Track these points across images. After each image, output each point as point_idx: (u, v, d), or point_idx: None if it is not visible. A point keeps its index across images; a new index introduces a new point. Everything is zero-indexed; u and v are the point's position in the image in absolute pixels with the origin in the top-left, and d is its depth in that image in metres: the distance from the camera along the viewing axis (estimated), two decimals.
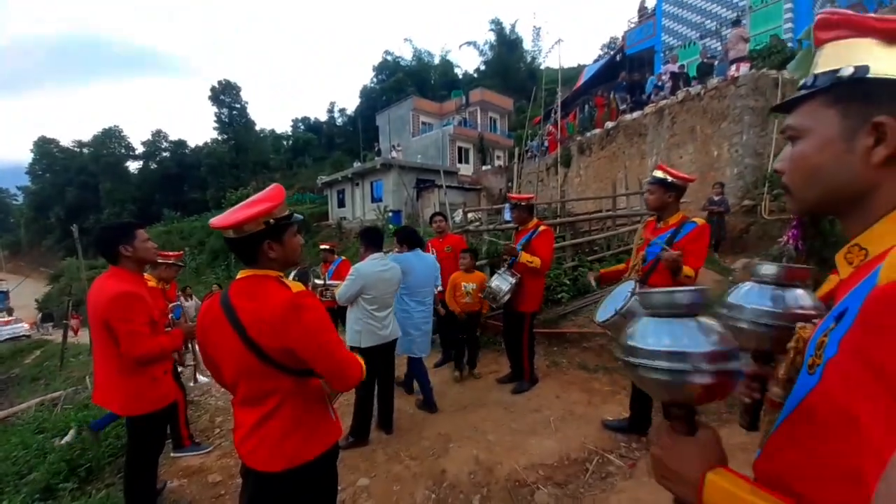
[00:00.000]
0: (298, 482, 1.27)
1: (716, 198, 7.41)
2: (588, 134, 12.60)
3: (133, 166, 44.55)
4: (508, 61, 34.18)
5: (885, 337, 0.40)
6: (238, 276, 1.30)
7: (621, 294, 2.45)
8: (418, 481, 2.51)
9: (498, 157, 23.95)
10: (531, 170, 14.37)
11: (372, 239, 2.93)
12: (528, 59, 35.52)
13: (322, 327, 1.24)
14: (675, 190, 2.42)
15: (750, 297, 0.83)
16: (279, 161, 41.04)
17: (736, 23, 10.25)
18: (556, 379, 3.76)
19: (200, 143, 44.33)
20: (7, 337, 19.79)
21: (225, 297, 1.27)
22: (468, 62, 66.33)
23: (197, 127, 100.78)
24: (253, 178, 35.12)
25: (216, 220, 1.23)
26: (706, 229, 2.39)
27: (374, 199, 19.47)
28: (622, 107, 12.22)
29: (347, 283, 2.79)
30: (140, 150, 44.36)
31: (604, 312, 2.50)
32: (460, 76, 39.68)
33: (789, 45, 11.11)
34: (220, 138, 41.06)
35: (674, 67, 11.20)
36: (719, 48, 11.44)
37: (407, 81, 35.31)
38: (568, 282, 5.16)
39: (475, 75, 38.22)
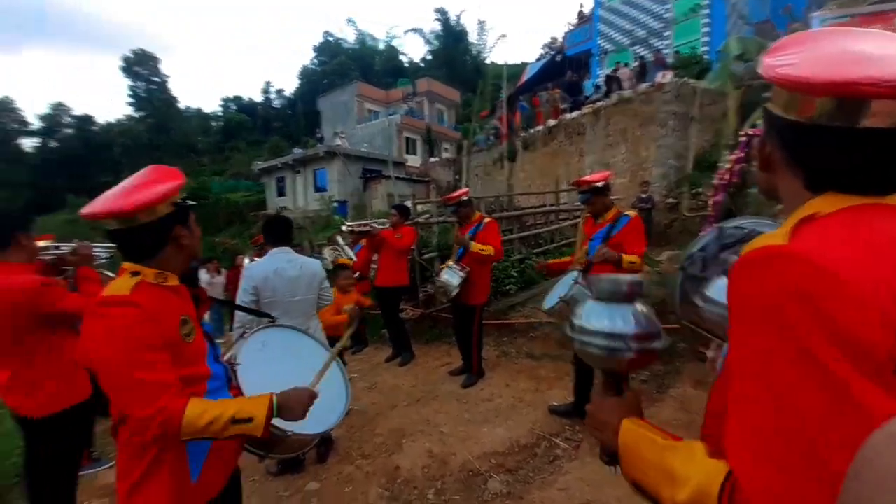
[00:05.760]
0: None
1: (643, 195, 8.14)
2: (532, 130, 13.05)
3: (28, 144, 37.80)
4: (454, 53, 34.14)
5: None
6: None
7: (566, 284, 2.61)
8: (371, 480, 2.47)
9: (445, 150, 23.98)
10: (479, 163, 14.61)
11: (274, 232, 2.49)
12: (474, 52, 35.76)
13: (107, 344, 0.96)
14: (607, 191, 2.71)
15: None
16: (207, 143, 37.60)
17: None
18: (506, 368, 3.90)
19: (112, 120, 39.24)
20: None
21: None
22: (414, 50, 65.35)
23: (107, 102, 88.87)
24: (177, 161, 31.82)
25: (100, 207, 0.97)
26: (638, 219, 2.65)
27: (317, 189, 18.57)
28: (563, 106, 12.83)
29: (239, 292, 2.37)
30: (36, 124, 37.88)
31: (550, 300, 2.65)
32: (406, 64, 38.95)
33: (705, 57, 12.35)
34: (136, 115, 36.64)
35: (609, 71, 12.01)
36: (649, 56, 12.51)
37: (350, 65, 33.99)
38: (515, 274, 5.35)
39: (421, 64, 37.72)
